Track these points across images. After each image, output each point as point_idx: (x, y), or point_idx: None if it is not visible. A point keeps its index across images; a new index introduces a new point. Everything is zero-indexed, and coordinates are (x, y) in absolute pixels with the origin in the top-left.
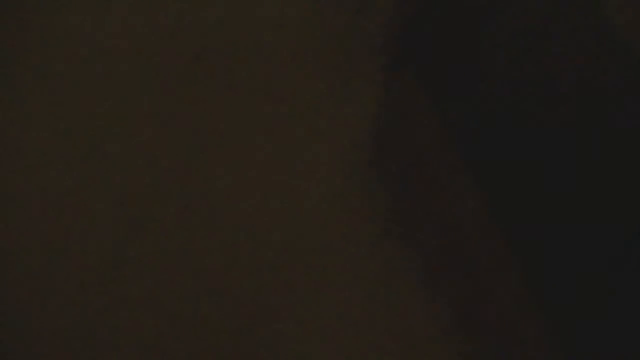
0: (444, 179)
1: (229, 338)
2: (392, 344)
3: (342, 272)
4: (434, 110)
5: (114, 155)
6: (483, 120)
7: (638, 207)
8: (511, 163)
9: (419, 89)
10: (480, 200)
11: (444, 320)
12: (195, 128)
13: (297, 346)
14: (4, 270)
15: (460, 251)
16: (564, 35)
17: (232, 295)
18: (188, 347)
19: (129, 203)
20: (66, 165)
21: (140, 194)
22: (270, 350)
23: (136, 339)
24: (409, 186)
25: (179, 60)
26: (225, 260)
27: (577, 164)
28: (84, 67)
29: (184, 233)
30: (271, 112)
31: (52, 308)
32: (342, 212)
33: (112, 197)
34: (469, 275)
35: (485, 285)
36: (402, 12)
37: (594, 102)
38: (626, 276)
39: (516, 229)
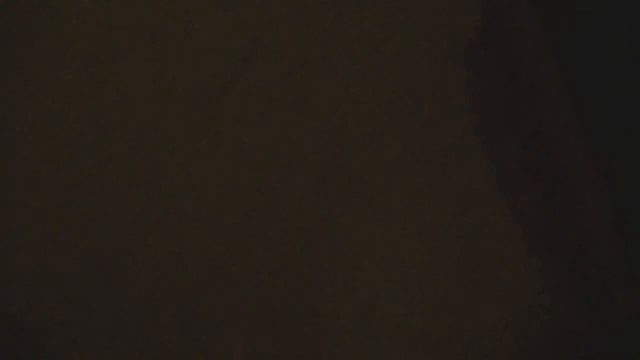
0: (536, 86)
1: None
2: (469, 260)
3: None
4: (537, 16)
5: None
6: (586, 36)
7: None
8: (611, 83)
9: None
10: (571, 115)
11: (526, 236)
12: (220, 160)
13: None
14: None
15: (546, 163)
16: None
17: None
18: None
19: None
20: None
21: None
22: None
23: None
24: (500, 89)
25: (205, 88)
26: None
27: None
28: (107, 90)
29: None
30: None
31: (51, 305)
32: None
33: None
34: (554, 190)
35: (568, 199)
36: None
37: None
38: None
39: (607, 147)
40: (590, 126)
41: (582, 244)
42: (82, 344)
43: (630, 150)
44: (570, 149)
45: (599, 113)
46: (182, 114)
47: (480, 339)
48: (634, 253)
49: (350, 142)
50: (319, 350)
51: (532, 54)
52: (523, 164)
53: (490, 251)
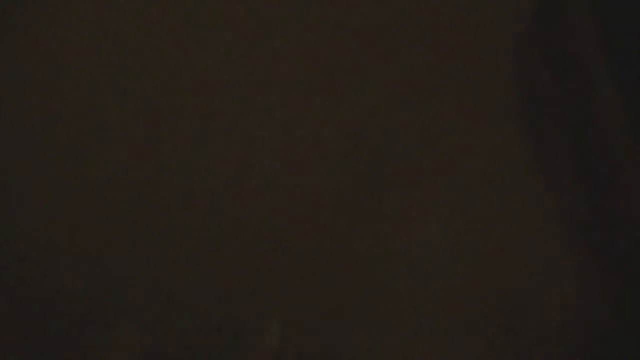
0: (587, 83)
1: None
2: (515, 236)
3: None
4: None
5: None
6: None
7: None
8: None
9: None
10: (622, 114)
11: (571, 232)
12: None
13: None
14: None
15: (593, 146)
16: None
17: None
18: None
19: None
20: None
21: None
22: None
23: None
24: (550, 84)
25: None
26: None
27: None
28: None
29: None
30: None
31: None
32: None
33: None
34: (600, 171)
35: (616, 197)
36: None
37: None
38: None
39: None
40: None
41: (627, 243)
42: (115, 325)
43: None
44: (620, 146)
45: None
46: (209, 102)
47: (514, 328)
48: None
49: (394, 128)
50: (354, 331)
51: (585, 48)
52: (571, 160)
53: (533, 245)
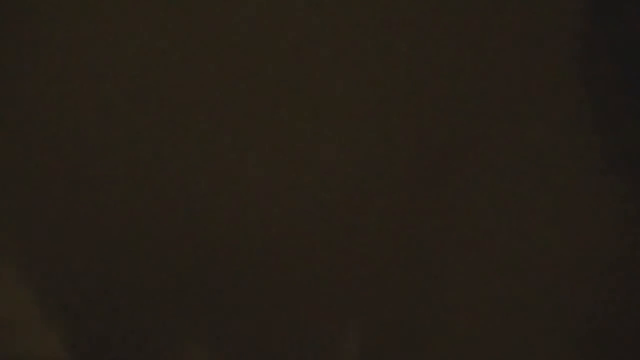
0: None
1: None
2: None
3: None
4: None
5: None
6: None
7: None
8: None
9: None
10: None
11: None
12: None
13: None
14: None
15: None
16: None
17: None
18: None
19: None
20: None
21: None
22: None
23: None
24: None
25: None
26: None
27: None
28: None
29: None
30: None
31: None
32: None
33: None
34: None
35: None
36: None
37: None
38: None
39: None
40: None
41: None
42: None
43: None
44: None
45: None
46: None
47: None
48: None
49: (456, 133)
50: (433, 335)
51: None
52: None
53: (591, 243)
